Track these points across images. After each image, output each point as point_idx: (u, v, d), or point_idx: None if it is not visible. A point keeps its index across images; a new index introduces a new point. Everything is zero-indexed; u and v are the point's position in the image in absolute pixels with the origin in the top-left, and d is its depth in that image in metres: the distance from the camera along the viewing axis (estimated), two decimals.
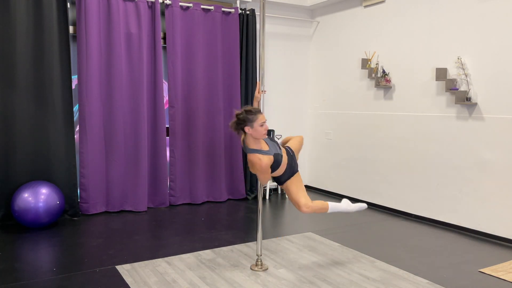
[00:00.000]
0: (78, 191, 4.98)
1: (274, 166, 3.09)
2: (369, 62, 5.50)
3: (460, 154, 4.50)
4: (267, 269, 3.39)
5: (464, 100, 4.38)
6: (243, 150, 5.68)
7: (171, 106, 5.38)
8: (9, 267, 3.37)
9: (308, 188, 6.68)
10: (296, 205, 3.20)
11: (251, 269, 3.38)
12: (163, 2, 5.26)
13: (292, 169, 3.23)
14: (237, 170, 5.82)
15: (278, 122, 6.34)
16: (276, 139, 6.15)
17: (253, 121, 2.96)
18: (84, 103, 4.87)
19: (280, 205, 5.60)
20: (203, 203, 5.64)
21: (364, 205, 3.52)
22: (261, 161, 2.98)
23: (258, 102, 3.36)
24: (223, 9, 5.60)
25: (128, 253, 3.71)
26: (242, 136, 3.09)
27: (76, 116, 5.02)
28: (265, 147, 3.10)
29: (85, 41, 4.82)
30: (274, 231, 4.42)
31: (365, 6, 5.60)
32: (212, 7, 5.50)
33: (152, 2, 5.16)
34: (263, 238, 4.13)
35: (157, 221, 4.76)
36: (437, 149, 4.72)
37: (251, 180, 6.00)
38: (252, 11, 5.82)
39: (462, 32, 4.46)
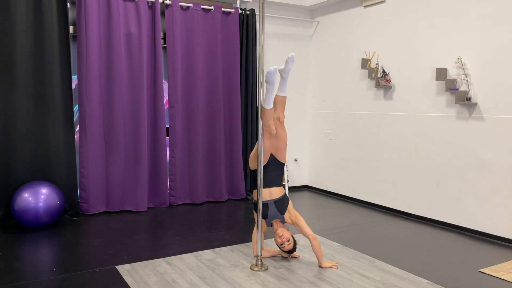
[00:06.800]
0: (78, 191, 4.98)
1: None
2: (369, 62, 5.50)
3: (460, 154, 4.50)
4: (267, 269, 3.39)
5: (464, 100, 4.38)
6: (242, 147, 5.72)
7: (171, 106, 5.38)
8: (9, 267, 3.37)
9: (308, 188, 6.68)
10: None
11: (251, 269, 3.38)
12: (163, 2, 5.26)
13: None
14: (237, 170, 5.82)
15: None
16: None
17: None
18: (84, 103, 4.87)
19: None
20: (203, 203, 5.64)
21: (291, 55, 3.47)
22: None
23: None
24: (223, 9, 5.60)
25: (128, 253, 3.71)
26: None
27: (76, 116, 5.02)
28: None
29: (85, 41, 4.82)
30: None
31: (365, 6, 5.60)
32: (212, 7, 5.51)
33: (152, 2, 5.16)
34: (263, 238, 4.12)
35: (157, 221, 4.76)
36: (437, 149, 4.72)
37: (251, 180, 5.97)
38: (252, 11, 5.82)
39: (462, 32, 4.46)
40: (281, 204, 3.50)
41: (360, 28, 5.69)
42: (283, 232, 3.47)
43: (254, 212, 3.53)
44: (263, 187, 3.47)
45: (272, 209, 3.47)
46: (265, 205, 3.47)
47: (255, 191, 3.49)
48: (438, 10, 4.68)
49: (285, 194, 3.56)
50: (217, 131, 5.64)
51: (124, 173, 5.13)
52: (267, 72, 3.32)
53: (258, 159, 3.37)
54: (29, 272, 3.27)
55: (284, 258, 3.65)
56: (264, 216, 3.50)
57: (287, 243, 3.46)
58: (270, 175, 3.51)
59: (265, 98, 3.38)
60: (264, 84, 3.36)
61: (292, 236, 3.52)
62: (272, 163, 3.53)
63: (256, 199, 3.47)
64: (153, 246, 3.90)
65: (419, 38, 4.91)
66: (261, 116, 3.38)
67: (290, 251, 3.55)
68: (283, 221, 3.53)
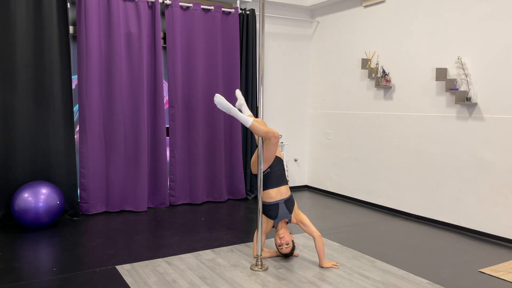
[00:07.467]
0: (78, 191, 4.98)
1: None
2: (369, 62, 5.50)
3: (460, 154, 4.50)
4: (267, 269, 3.39)
5: (464, 100, 4.38)
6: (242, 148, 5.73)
7: (171, 106, 5.38)
8: (9, 267, 3.37)
9: (308, 188, 6.68)
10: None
11: (251, 269, 3.38)
12: (163, 2, 5.26)
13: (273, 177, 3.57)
14: (237, 170, 5.82)
15: (278, 122, 6.34)
16: None
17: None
18: (84, 103, 4.87)
19: None
20: (203, 203, 5.64)
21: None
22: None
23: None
24: (223, 9, 5.60)
25: (128, 253, 3.71)
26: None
27: (76, 116, 5.02)
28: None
29: (85, 41, 4.82)
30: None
31: (365, 6, 5.61)
32: (212, 7, 5.51)
33: (152, 2, 5.16)
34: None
35: (157, 221, 4.76)
36: (437, 149, 4.72)
37: (251, 180, 6.00)
38: (252, 11, 5.82)
39: (462, 32, 4.46)
40: (290, 203, 3.52)
41: (360, 28, 5.69)
42: (284, 234, 3.47)
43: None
44: (272, 187, 3.48)
45: (282, 208, 3.48)
46: (276, 205, 3.48)
47: (263, 193, 3.50)
48: (438, 10, 4.68)
49: (291, 193, 3.60)
50: (217, 131, 5.64)
51: (124, 173, 5.13)
52: (217, 104, 3.34)
53: (258, 162, 3.38)
54: (29, 272, 3.28)
55: (283, 258, 3.65)
56: (274, 217, 3.50)
57: (285, 246, 3.47)
58: (277, 174, 3.52)
59: (241, 120, 3.35)
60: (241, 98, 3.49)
61: (293, 241, 3.53)
62: (276, 161, 3.54)
63: (263, 200, 3.48)
64: (153, 246, 3.90)
65: (419, 38, 4.91)
66: (256, 134, 3.36)
67: (286, 255, 3.57)
68: (289, 221, 3.54)
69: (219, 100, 3.34)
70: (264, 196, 3.48)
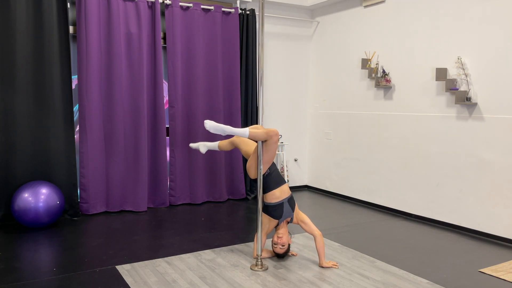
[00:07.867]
0: (78, 191, 4.98)
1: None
2: (369, 62, 5.50)
3: (460, 154, 4.50)
4: (267, 269, 3.39)
5: (464, 100, 4.38)
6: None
7: (171, 106, 5.38)
8: (9, 267, 3.37)
9: (308, 188, 6.68)
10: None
11: (251, 269, 3.38)
12: (163, 2, 5.26)
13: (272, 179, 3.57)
14: (237, 170, 5.83)
15: (278, 122, 6.35)
16: None
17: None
18: (84, 103, 4.87)
19: None
20: (203, 203, 5.64)
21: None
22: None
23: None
24: (223, 9, 5.60)
25: (128, 253, 3.71)
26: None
27: (76, 116, 5.02)
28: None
29: (85, 41, 4.82)
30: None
31: (365, 6, 5.61)
32: (212, 7, 5.51)
33: (152, 2, 5.16)
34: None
35: (157, 221, 4.76)
36: (437, 149, 4.72)
37: (251, 180, 6.00)
38: (252, 11, 5.82)
39: (462, 32, 4.46)
40: (292, 201, 3.56)
41: (360, 28, 5.69)
42: (283, 235, 3.48)
43: (264, 214, 3.55)
44: (276, 187, 3.50)
45: (286, 207, 3.51)
46: (281, 204, 3.49)
47: (267, 194, 3.50)
48: (438, 10, 4.68)
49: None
50: None
51: (124, 173, 5.13)
52: (210, 129, 3.34)
53: (258, 164, 3.38)
54: (29, 272, 3.27)
55: (283, 258, 3.64)
56: (279, 216, 3.51)
57: (280, 246, 3.49)
58: (277, 174, 3.55)
59: (239, 134, 3.34)
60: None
61: (289, 244, 3.55)
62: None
63: (268, 201, 3.50)
64: (153, 246, 3.90)
65: (419, 38, 4.91)
66: (257, 140, 3.35)
67: (279, 255, 3.59)
68: (291, 220, 3.56)
69: (211, 124, 3.33)
70: (269, 198, 3.49)
